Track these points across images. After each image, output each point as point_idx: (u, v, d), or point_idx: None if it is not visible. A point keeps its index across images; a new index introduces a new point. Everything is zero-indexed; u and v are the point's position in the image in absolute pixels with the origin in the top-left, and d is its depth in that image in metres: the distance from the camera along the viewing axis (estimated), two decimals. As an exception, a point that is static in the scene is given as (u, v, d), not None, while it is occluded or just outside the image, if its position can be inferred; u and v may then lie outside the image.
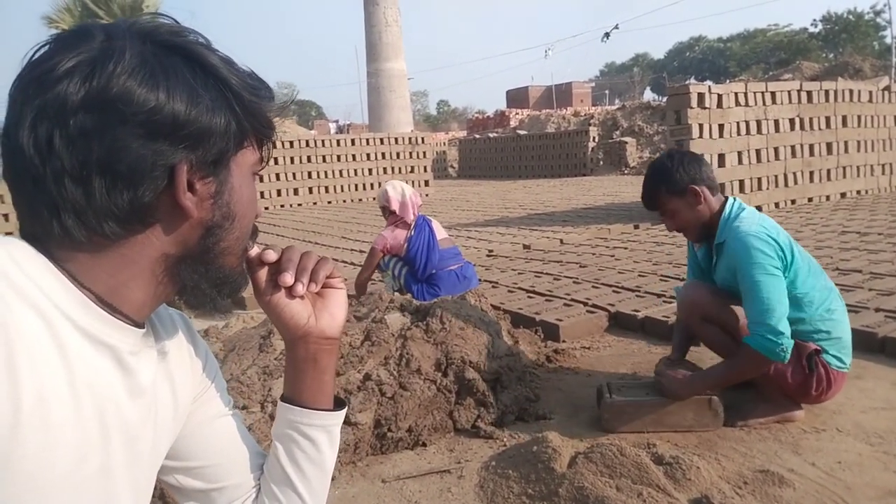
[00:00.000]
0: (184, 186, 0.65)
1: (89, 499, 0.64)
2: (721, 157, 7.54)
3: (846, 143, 8.84)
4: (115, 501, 0.68)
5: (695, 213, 2.38)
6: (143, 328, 0.72)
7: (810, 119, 8.42)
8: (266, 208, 12.99)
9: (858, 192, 9.09)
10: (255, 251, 0.80)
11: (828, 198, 8.73)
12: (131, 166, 0.62)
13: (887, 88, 9.49)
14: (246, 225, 0.75)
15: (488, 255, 6.14)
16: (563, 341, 3.43)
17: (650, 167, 2.50)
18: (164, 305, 0.82)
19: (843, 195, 8.91)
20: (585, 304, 3.89)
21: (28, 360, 0.57)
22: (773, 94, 8.05)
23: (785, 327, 2.15)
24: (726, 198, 2.43)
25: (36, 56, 0.63)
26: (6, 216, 9.44)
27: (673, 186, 2.37)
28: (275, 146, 0.80)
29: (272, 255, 0.81)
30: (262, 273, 0.81)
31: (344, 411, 0.90)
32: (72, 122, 0.60)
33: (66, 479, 0.61)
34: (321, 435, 0.87)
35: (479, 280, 4.80)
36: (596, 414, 2.50)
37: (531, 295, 4.23)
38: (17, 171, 0.63)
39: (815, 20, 57.89)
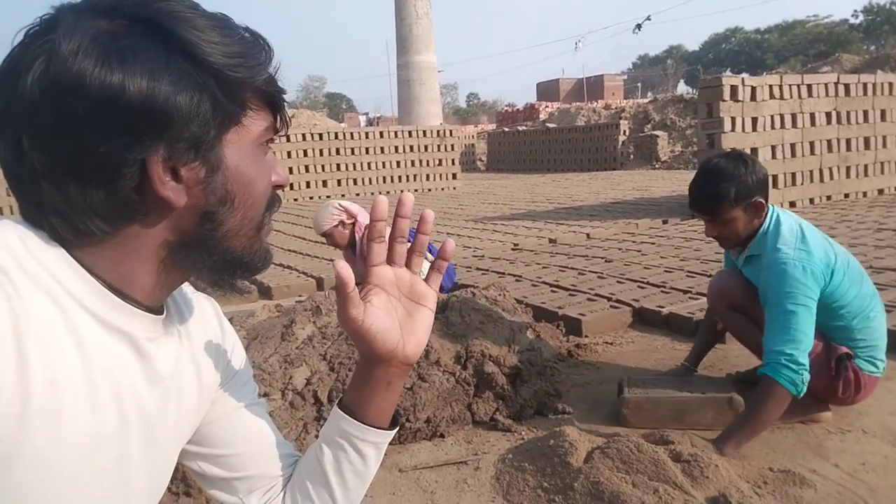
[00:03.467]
0: (160, 177, 0.61)
1: (104, 486, 0.64)
2: (754, 152, 7.38)
3: (885, 137, 8.59)
4: (131, 488, 0.68)
5: (748, 227, 2.26)
6: (162, 314, 0.71)
7: (848, 113, 8.20)
8: (295, 199, 13.13)
9: (897, 188, 8.85)
10: (341, 266, 0.72)
11: (864, 194, 8.50)
12: (98, 164, 0.59)
13: (930, 81, 9.19)
14: (252, 204, 0.69)
15: (513, 249, 6.12)
16: (586, 336, 3.41)
17: (715, 168, 2.27)
18: (193, 291, 0.82)
19: (880, 191, 8.67)
20: (609, 299, 3.86)
21: (39, 347, 0.56)
22: (809, 86, 7.86)
23: (804, 358, 2.06)
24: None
25: (16, 42, 0.61)
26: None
27: (742, 195, 2.20)
28: (286, 127, 0.75)
29: (345, 269, 0.72)
30: (352, 293, 0.74)
31: (396, 430, 0.88)
32: (34, 120, 0.58)
33: (82, 466, 0.61)
34: (372, 451, 0.86)
35: (504, 274, 4.79)
36: (616, 409, 2.48)
37: (555, 289, 4.21)
38: (4, 169, 0.62)
39: (856, 11, 56.12)
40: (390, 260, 0.78)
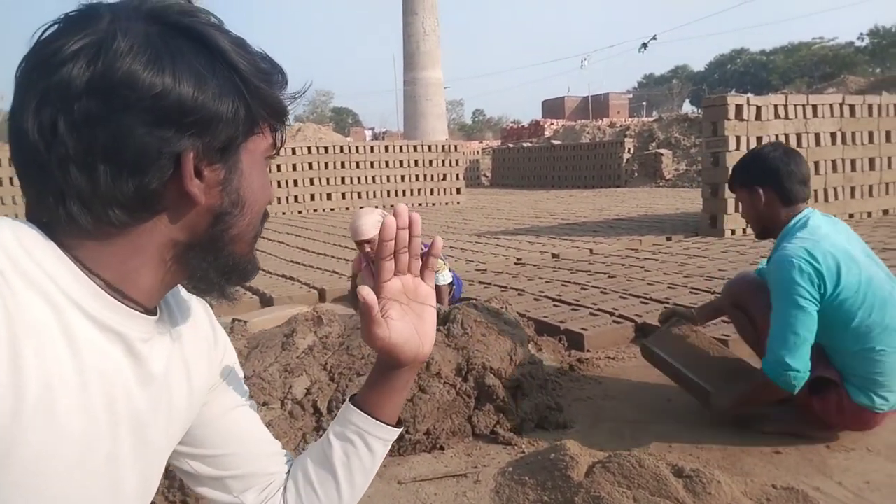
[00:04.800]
0: (191, 173, 0.64)
1: (96, 486, 0.64)
2: (758, 171, 7.38)
3: (889, 158, 8.56)
4: (122, 488, 0.68)
5: (754, 210, 2.38)
6: (156, 315, 0.71)
7: (853, 133, 8.20)
8: (299, 212, 13.16)
9: (902, 209, 8.82)
10: (367, 292, 0.76)
11: (869, 214, 8.47)
12: (136, 153, 0.61)
13: (935, 103, 9.19)
14: (257, 211, 0.73)
15: (516, 264, 6.11)
16: (588, 351, 3.39)
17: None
18: (185, 292, 0.82)
19: (885, 212, 8.64)
20: (612, 314, 3.84)
21: (33, 348, 0.57)
22: (814, 107, 7.87)
23: (795, 360, 2.08)
24: (805, 210, 2.32)
25: (43, 37, 0.62)
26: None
27: (743, 176, 2.40)
28: (283, 146, 0.79)
29: (370, 295, 0.77)
30: (377, 315, 0.78)
31: (402, 429, 0.92)
32: (76, 107, 0.59)
33: (74, 466, 0.61)
34: (381, 448, 0.90)
35: (506, 288, 4.79)
36: (616, 426, 2.47)
37: (557, 304, 4.20)
38: (23, 155, 0.62)
39: (861, 34, 56.39)
40: (396, 271, 0.81)
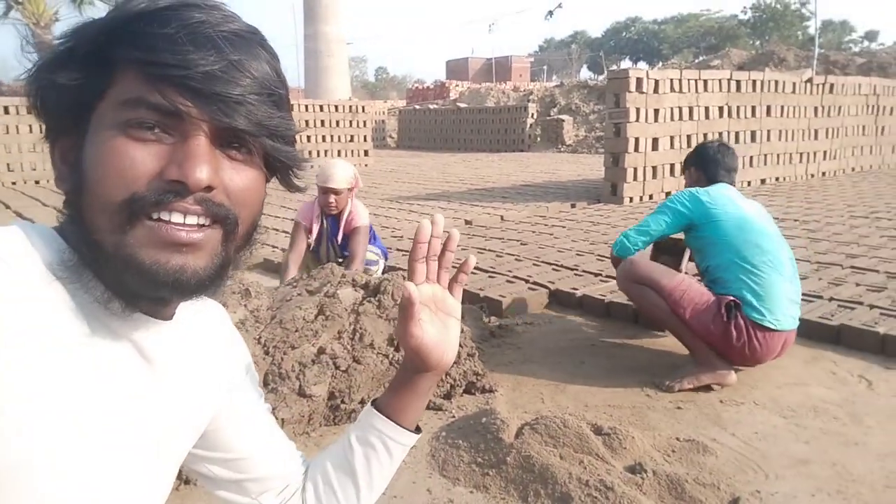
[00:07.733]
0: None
1: (104, 488, 0.65)
2: (655, 142, 7.84)
3: (769, 131, 9.33)
4: (131, 491, 0.69)
5: (687, 185, 3.09)
6: (171, 318, 0.71)
7: (738, 107, 8.83)
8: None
9: (777, 178, 9.65)
10: (412, 289, 0.77)
11: (749, 183, 9.21)
12: None
13: (809, 80, 10.04)
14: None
15: (431, 230, 6.21)
16: (506, 317, 3.57)
17: None
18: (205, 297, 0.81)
19: (763, 181, 9.43)
20: (527, 281, 4.04)
21: (40, 351, 0.57)
22: (705, 81, 8.40)
23: (632, 232, 2.90)
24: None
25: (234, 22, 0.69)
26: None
27: (687, 160, 3.14)
28: None
29: (416, 291, 0.78)
30: (417, 311, 0.79)
31: (420, 434, 0.94)
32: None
33: (81, 468, 0.62)
34: (400, 453, 0.91)
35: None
36: (536, 388, 2.65)
37: (474, 271, 4.35)
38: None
39: (745, 7, 59.41)
40: (427, 277, 0.83)
